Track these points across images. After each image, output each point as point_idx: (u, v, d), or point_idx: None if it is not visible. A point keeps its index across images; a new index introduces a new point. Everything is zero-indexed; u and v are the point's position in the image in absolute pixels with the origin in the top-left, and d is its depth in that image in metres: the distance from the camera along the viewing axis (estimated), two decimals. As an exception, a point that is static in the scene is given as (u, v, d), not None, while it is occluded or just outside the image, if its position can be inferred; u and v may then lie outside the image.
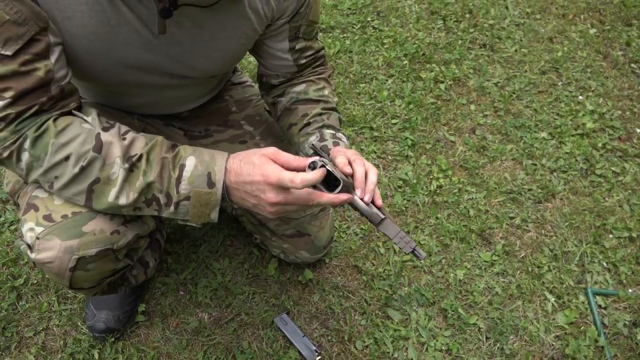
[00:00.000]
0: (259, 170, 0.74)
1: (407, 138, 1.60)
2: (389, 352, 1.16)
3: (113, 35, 0.78)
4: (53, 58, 0.73)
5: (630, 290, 1.29)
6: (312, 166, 0.74)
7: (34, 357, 1.12)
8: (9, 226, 1.33)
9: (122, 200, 0.75)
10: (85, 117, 0.76)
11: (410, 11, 2.09)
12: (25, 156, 0.73)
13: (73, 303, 1.20)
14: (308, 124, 0.98)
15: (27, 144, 0.72)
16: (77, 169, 0.73)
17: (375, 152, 1.56)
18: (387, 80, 1.80)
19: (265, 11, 0.87)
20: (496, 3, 2.16)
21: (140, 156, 0.75)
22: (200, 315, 1.20)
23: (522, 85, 1.81)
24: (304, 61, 1.00)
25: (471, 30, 2.02)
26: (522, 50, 1.95)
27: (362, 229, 1.37)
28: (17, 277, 1.23)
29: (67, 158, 0.73)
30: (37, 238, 0.78)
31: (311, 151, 0.91)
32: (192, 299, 1.23)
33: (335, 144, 0.94)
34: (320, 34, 1.96)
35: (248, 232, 1.29)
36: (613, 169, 1.57)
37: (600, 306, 1.26)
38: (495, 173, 1.54)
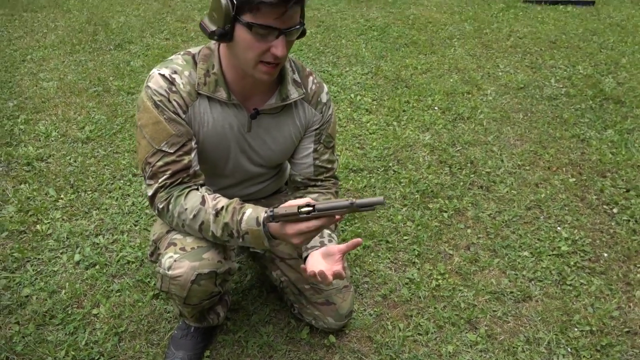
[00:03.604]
0: (285, 230, 1.21)
1: (415, 250, 2.06)
2: (390, 399, 1.50)
3: (227, 133, 1.38)
4: (192, 154, 1.32)
5: (589, 371, 1.61)
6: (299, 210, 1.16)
7: (128, 381, 1.53)
8: (116, 292, 1.82)
9: (217, 233, 1.27)
10: (202, 191, 1.32)
11: (424, 160, 2.68)
12: (170, 207, 1.29)
13: (157, 348, 1.63)
14: None
15: (172, 200, 1.29)
16: (191, 215, 1.28)
17: (388, 259, 2.02)
18: (402, 208, 2.31)
19: (303, 122, 1.47)
20: (493, 157, 2.73)
21: (222, 207, 1.27)
22: (249, 363, 1.60)
23: (511, 217, 2.28)
24: (319, 164, 1.52)
25: (471, 175, 2.56)
26: (512, 191, 2.46)
27: (375, 310, 1.79)
28: (119, 326, 1.69)
29: (186, 209, 1.28)
30: (175, 261, 1.29)
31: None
32: (244, 352, 1.64)
33: (329, 241, 1.45)
34: (352, 174, 2.54)
35: (289, 305, 1.73)
36: (582, 281, 1.96)
37: (563, 380, 1.58)
38: (483, 279, 1.95)
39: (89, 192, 2.33)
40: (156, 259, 1.46)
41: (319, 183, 1.56)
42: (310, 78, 1.48)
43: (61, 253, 2.00)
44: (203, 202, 1.29)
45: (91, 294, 1.82)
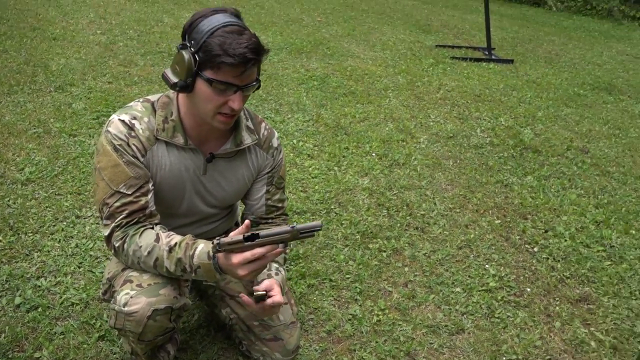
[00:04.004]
0: (231, 261, 1.28)
1: (356, 287, 2.17)
2: None
3: (183, 176, 1.46)
4: (149, 196, 1.39)
5: (517, 396, 1.75)
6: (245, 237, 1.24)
7: None
8: (59, 335, 1.79)
9: (170, 268, 1.33)
10: (156, 229, 1.38)
11: (363, 203, 2.83)
12: (125, 246, 1.35)
13: (103, 389, 1.62)
14: None
15: (127, 239, 1.35)
16: (145, 252, 1.34)
17: (332, 296, 2.12)
18: (344, 248, 2.43)
19: (256, 165, 1.58)
20: (427, 200, 2.92)
21: (176, 244, 1.35)
22: (198, 401, 1.62)
23: (444, 255, 2.45)
24: (271, 204, 1.63)
25: (407, 217, 2.73)
26: (444, 232, 2.64)
27: (320, 346, 1.86)
28: (64, 369, 1.67)
29: (141, 247, 1.34)
30: (131, 297, 1.33)
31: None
32: (192, 390, 1.66)
33: (277, 274, 1.54)
34: (296, 216, 2.64)
35: (237, 342, 1.77)
36: (508, 314, 2.13)
37: (494, 406, 1.71)
38: (420, 313, 2.08)
39: (30, 234, 2.29)
40: (109, 298, 1.49)
41: (270, 221, 1.65)
42: (263, 125, 1.60)
43: (0, 297, 1.95)
44: (157, 239, 1.36)
45: (33, 337, 1.78)
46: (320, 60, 5.29)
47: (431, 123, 4.01)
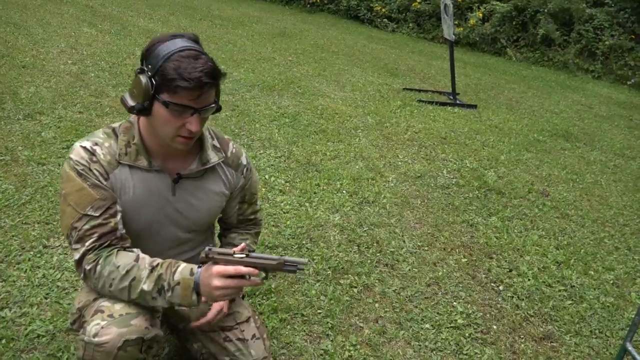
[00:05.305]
0: (211, 270, 1.33)
1: (328, 322, 2.18)
2: None
3: (150, 199, 1.46)
4: (118, 217, 1.40)
5: None
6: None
7: None
8: None
9: (148, 287, 1.34)
10: (133, 250, 1.40)
11: (334, 239, 2.86)
12: (98, 268, 1.35)
13: None
14: None
15: (100, 261, 1.35)
16: (123, 272, 1.34)
17: (304, 331, 2.12)
18: (315, 283, 2.45)
19: (228, 184, 1.61)
20: (396, 237, 2.98)
21: (158, 263, 1.37)
22: None
23: (413, 292, 2.50)
24: (241, 217, 1.71)
25: (377, 254, 2.78)
26: (413, 269, 2.70)
27: (292, 381, 1.86)
28: (28, 404, 1.61)
29: (118, 267, 1.35)
30: (102, 327, 1.31)
31: None
32: None
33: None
34: (267, 250, 2.65)
35: (208, 377, 1.75)
36: (476, 351, 2.17)
37: None
38: (391, 349, 2.10)
39: (-6, 264, 2.22)
40: (79, 328, 1.46)
41: (243, 228, 1.76)
42: (230, 144, 1.65)
43: (-40, 327, 1.88)
44: (137, 259, 1.38)
45: (-5, 370, 1.72)
46: (291, 98, 5.39)
47: (399, 163, 4.12)
